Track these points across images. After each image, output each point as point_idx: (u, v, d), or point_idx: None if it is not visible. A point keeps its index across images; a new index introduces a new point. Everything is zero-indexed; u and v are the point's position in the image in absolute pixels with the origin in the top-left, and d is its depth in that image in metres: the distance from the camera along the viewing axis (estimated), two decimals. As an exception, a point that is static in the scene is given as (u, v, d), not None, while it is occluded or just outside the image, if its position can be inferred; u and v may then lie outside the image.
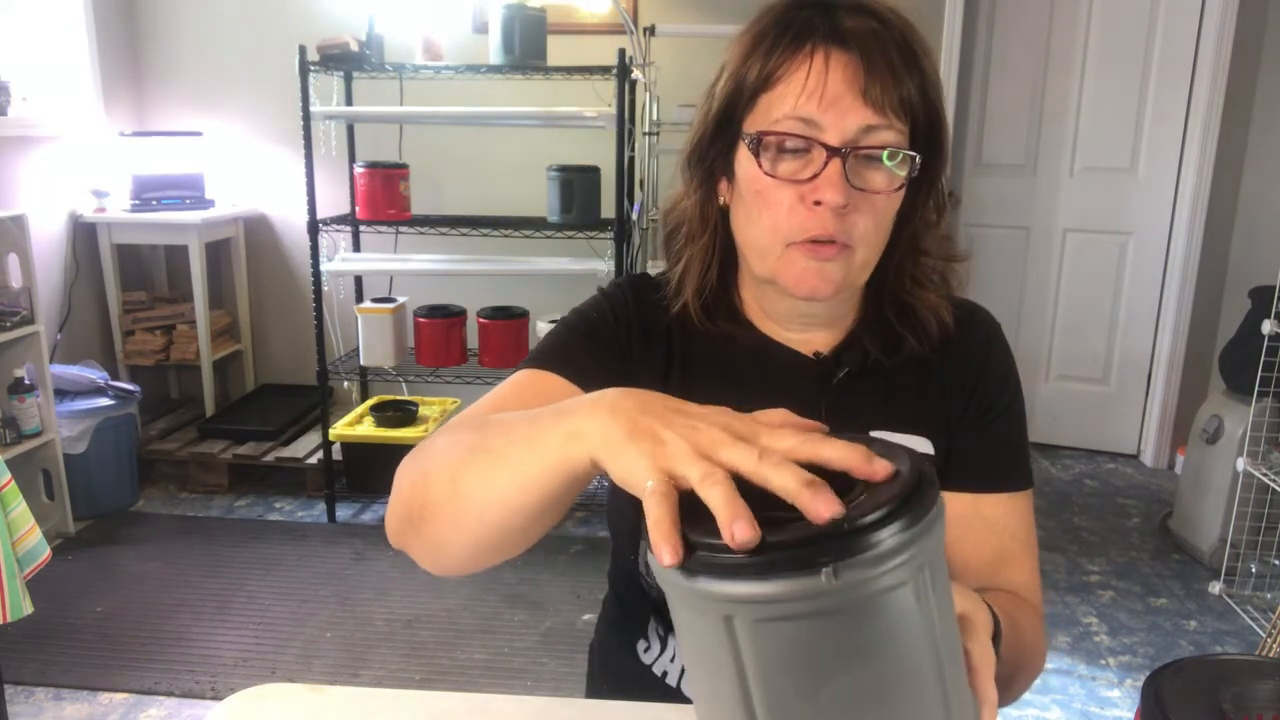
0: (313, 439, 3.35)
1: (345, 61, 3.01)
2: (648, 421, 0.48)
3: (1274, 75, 3.34)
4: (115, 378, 3.30)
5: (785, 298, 0.84)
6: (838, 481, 0.44)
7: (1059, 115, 3.61)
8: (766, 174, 0.77)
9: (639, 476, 0.46)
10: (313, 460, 3.22)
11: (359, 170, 2.99)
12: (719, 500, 0.42)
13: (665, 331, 0.89)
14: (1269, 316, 2.41)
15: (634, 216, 2.98)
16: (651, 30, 2.97)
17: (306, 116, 2.86)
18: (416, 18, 3.24)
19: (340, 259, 3.17)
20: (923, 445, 0.87)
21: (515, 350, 3.04)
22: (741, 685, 0.42)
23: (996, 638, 0.62)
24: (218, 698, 2.12)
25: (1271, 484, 2.47)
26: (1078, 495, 3.41)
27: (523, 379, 0.82)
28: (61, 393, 2.99)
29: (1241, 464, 2.52)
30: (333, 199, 3.44)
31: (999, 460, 0.88)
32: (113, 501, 3.08)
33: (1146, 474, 3.63)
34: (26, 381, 2.74)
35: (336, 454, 3.16)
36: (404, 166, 3.03)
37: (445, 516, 0.61)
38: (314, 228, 2.93)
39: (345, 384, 3.59)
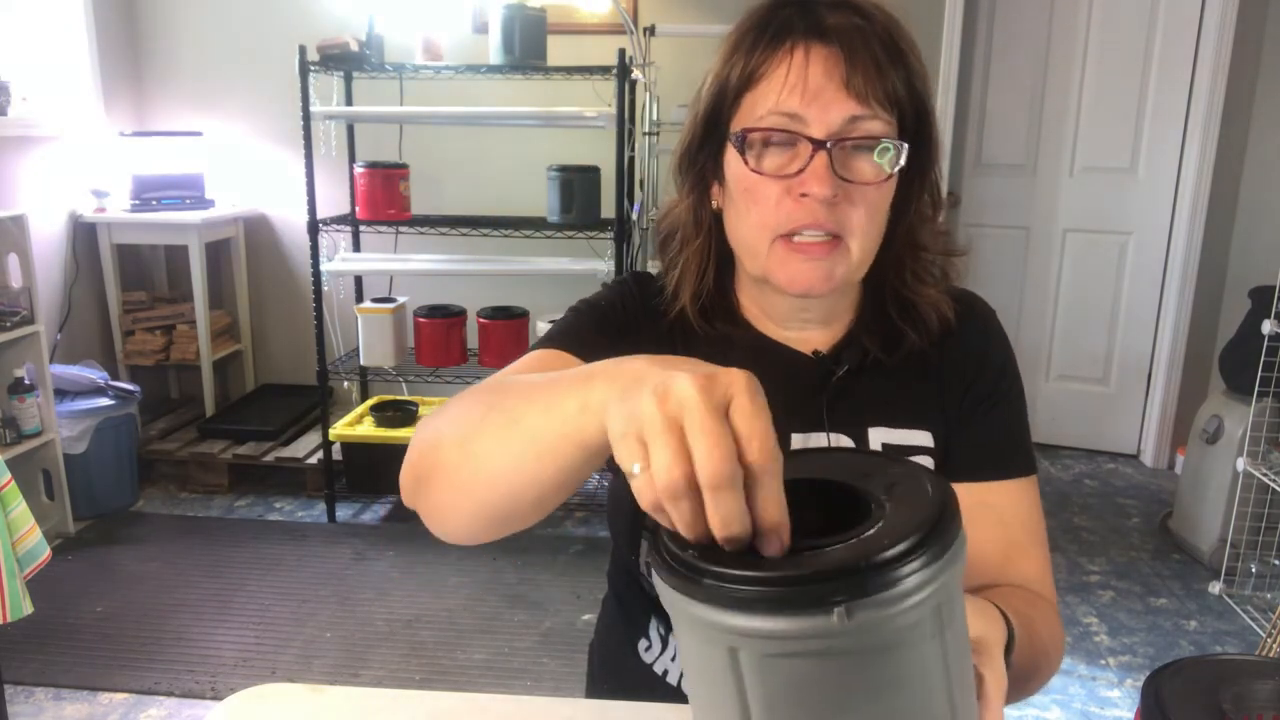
0: (313, 439, 3.35)
1: (345, 61, 3.01)
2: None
3: (1274, 75, 3.34)
4: (115, 378, 3.30)
5: (782, 296, 0.84)
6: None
7: (1059, 115, 3.61)
8: (753, 170, 0.77)
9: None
10: (313, 460, 3.22)
11: (359, 170, 2.99)
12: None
13: (667, 332, 0.90)
14: (1269, 316, 2.42)
15: (634, 216, 2.98)
16: (651, 30, 2.97)
17: (306, 116, 2.86)
18: (416, 18, 3.24)
19: (340, 259, 3.17)
20: (923, 439, 0.87)
21: (516, 350, 3.03)
22: (743, 713, 0.41)
23: (1009, 647, 0.62)
24: (218, 698, 2.12)
25: (1271, 484, 2.47)
26: (1078, 495, 3.41)
27: (536, 355, 0.82)
28: (61, 393, 2.99)
29: (1241, 464, 2.52)
30: (333, 199, 3.44)
31: (1001, 447, 0.88)
32: (113, 501, 3.08)
33: (1146, 474, 3.63)
34: (26, 381, 2.74)
35: (336, 454, 3.16)
36: (404, 166, 3.03)
37: (454, 479, 0.59)
38: (314, 228, 2.93)
39: (345, 384, 3.59)
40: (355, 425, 3.17)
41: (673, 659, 0.93)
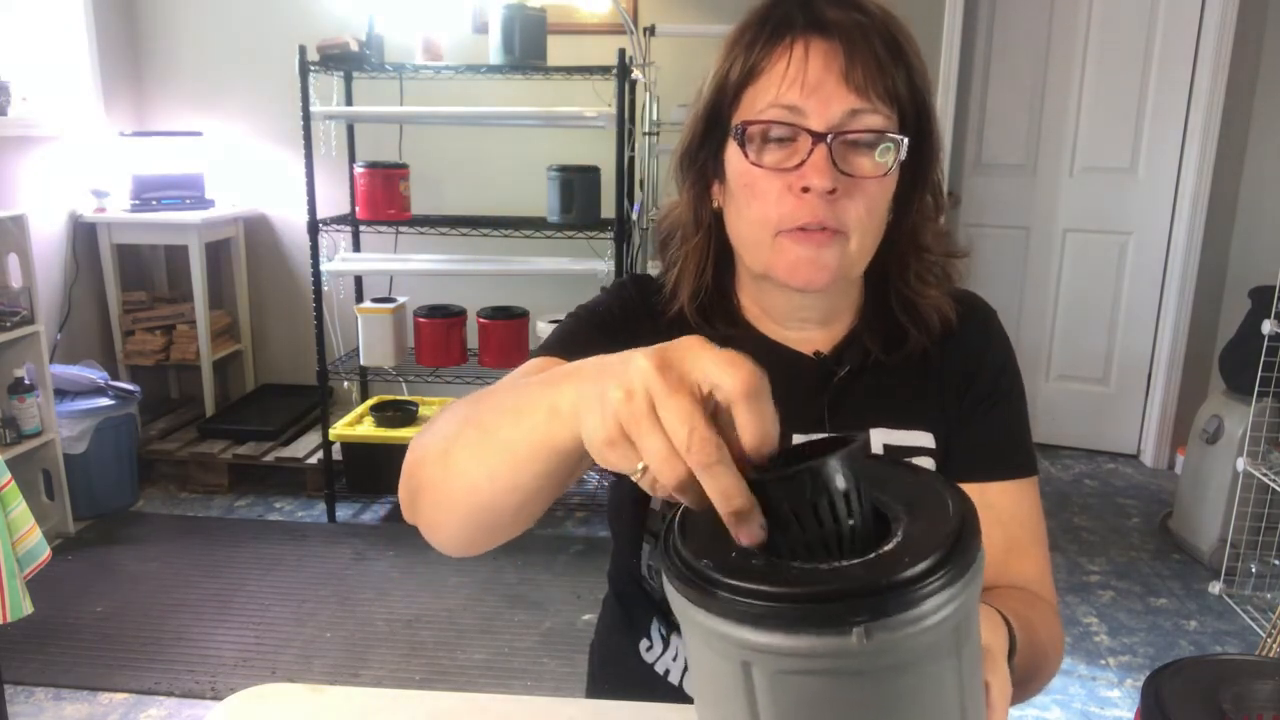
0: (313, 439, 3.35)
1: (345, 61, 3.01)
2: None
3: (1274, 75, 3.34)
4: (115, 378, 3.30)
5: (782, 293, 0.84)
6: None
7: (1059, 115, 3.61)
8: (753, 164, 0.78)
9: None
10: (313, 460, 3.22)
11: (359, 170, 2.99)
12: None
13: (665, 333, 0.90)
14: (1269, 316, 2.42)
15: (634, 216, 2.98)
16: (651, 30, 2.97)
17: (306, 116, 2.86)
18: (416, 18, 3.24)
19: (340, 259, 3.17)
20: (924, 440, 0.87)
21: (515, 350, 3.03)
22: None
23: (1011, 651, 0.62)
24: (218, 698, 2.12)
25: (1271, 484, 2.47)
26: (1078, 495, 3.41)
27: (534, 364, 0.82)
28: (61, 393, 2.99)
29: (1241, 464, 2.52)
30: (333, 199, 3.44)
31: (1002, 447, 0.88)
32: (113, 501, 3.08)
33: (1146, 474, 3.63)
34: (26, 381, 2.74)
35: (336, 454, 3.16)
36: (404, 166, 3.03)
37: (439, 495, 0.60)
38: (314, 228, 2.93)
39: (345, 384, 3.59)
40: (355, 425, 3.17)
41: (674, 659, 0.93)
